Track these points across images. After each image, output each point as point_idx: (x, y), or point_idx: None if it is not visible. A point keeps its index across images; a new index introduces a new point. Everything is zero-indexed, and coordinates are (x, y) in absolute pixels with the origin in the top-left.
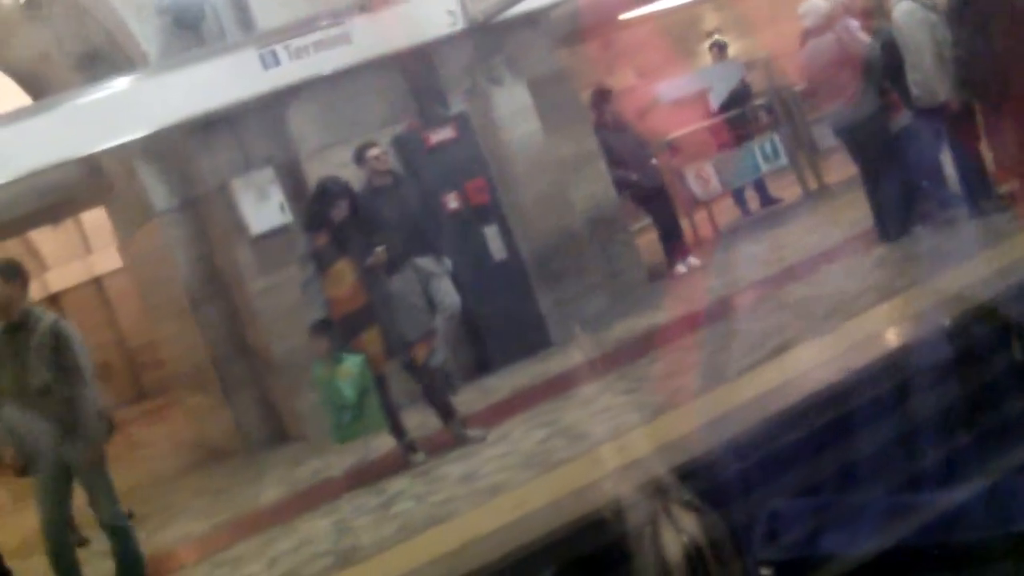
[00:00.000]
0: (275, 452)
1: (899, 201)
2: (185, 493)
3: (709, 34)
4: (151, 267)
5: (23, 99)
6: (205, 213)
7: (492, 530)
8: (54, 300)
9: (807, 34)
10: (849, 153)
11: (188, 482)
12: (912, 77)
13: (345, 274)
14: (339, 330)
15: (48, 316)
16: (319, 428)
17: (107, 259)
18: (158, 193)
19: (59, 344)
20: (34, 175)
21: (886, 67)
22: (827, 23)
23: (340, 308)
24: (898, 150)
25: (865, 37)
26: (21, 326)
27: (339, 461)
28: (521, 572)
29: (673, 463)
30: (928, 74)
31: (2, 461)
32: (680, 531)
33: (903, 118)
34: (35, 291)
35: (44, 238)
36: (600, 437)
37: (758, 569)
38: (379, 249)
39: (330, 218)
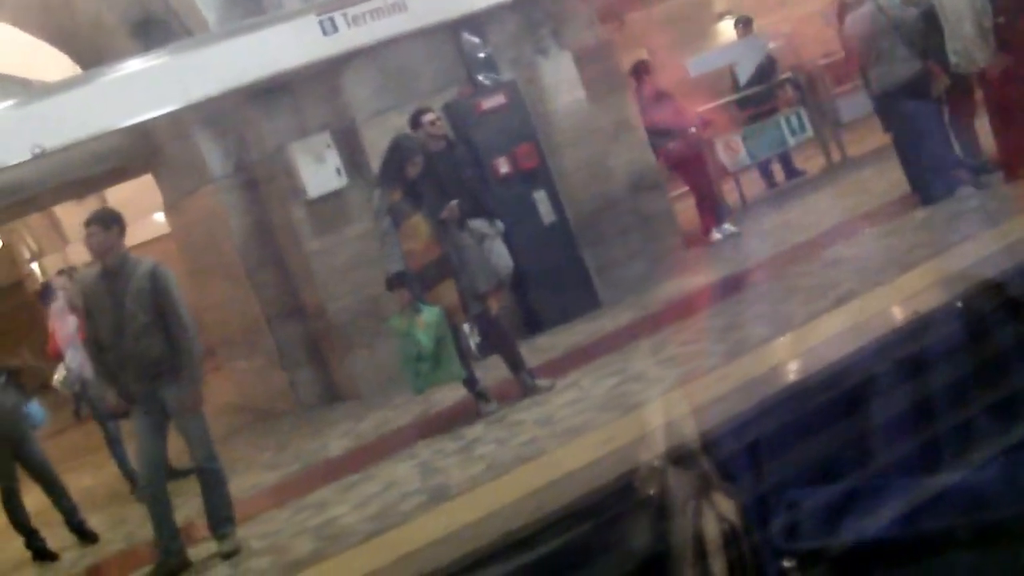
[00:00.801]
0: (330, 411)
1: (942, 162)
2: (247, 449)
3: (720, 15)
4: (201, 233)
5: (69, 70)
6: (260, 178)
7: (584, 464)
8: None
9: (844, 6)
10: (884, 121)
11: (247, 439)
12: (951, 45)
13: (420, 228)
14: (416, 281)
15: (146, 261)
16: (373, 386)
17: (134, 232)
18: (214, 159)
19: (157, 288)
20: (85, 143)
21: (926, 34)
22: None
23: (416, 261)
24: (940, 113)
25: (905, 5)
26: (119, 271)
27: (399, 416)
28: (616, 504)
29: (750, 402)
30: (967, 42)
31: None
32: (721, 518)
33: (942, 83)
34: (57, 264)
35: (67, 213)
36: (674, 381)
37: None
38: (452, 203)
39: (405, 174)
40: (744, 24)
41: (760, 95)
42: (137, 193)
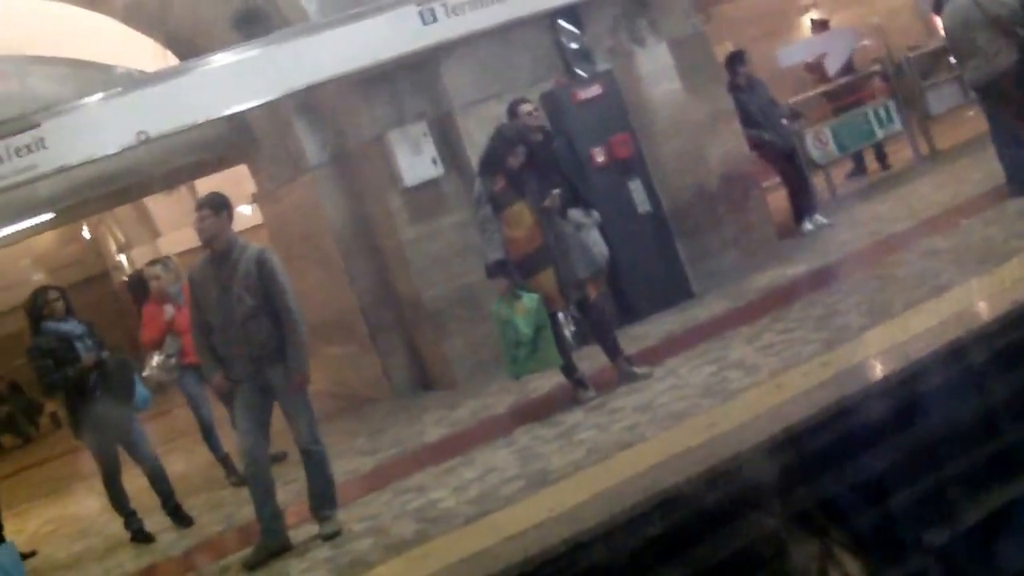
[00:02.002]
0: (424, 398)
1: None
2: (341, 435)
3: (806, 7)
4: (296, 222)
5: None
6: (356, 166)
7: (687, 448)
8: None
9: None
10: (984, 109)
11: (341, 425)
12: None
13: (522, 216)
14: (516, 269)
15: (253, 246)
16: (467, 374)
17: None
18: (311, 148)
19: (264, 273)
20: (179, 132)
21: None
22: None
23: (517, 248)
24: None
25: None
26: (227, 256)
27: (495, 403)
28: (720, 487)
29: (856, 387)
30: None
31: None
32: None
33: None
34: (147, 255)
35: (157, 205)
36: (775, 368)
37: None
38: (554, 192)
39: (507, 163)
40: (820, 25)
41: (845, 87)
42: (223, 184)
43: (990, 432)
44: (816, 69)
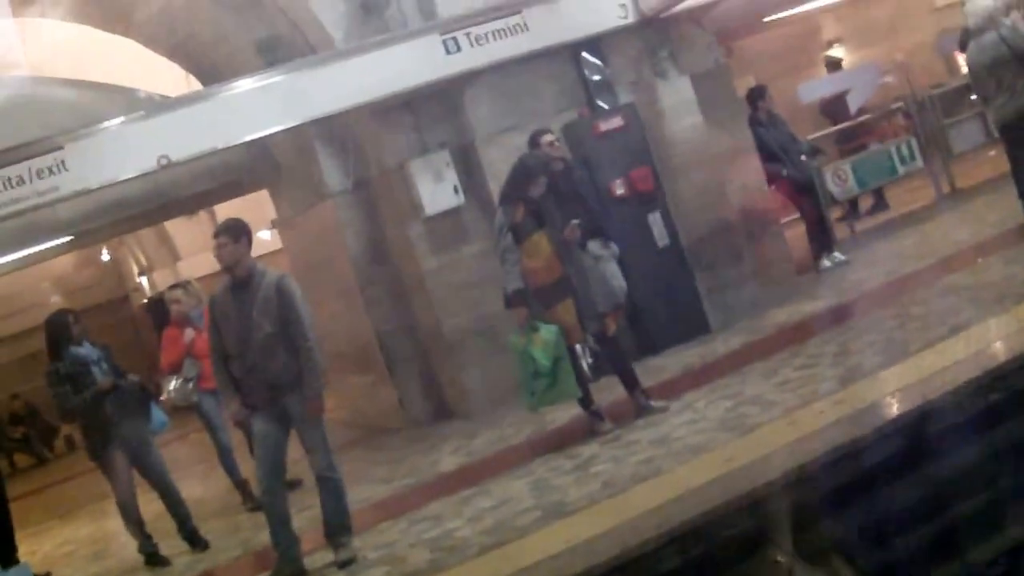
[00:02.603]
0: (441, 428)
1: None
2: (358, 463)
3: (829, 43)
4: (316, 248)
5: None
6: (377, 194)
7: (704, 483)
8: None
9: (967, 33)
10: (1008, 148)
11: (358, 454)
12: None
13: (542, 247)
14: (535, 300)
15: (272, 272)
16: (484, 405)
17: None
18: (332, 175)
19: (283, 299)
20: (201, 157)
21: None
22: (989, 22)
23: (536, 279)
24: None
25: None
26: (247, 282)
27: (512, 434)
28: (736, 521)
29: (872, 425)
30: None
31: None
32: None
33: None
34: (167, 279)
35: (177, 228)
36: (791, 404)
37: None
38: (574, 223)
39: (529, 193)
40: (833, 65)
41: (858, 127)
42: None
43: (1005, 472)
44: (831, 111)
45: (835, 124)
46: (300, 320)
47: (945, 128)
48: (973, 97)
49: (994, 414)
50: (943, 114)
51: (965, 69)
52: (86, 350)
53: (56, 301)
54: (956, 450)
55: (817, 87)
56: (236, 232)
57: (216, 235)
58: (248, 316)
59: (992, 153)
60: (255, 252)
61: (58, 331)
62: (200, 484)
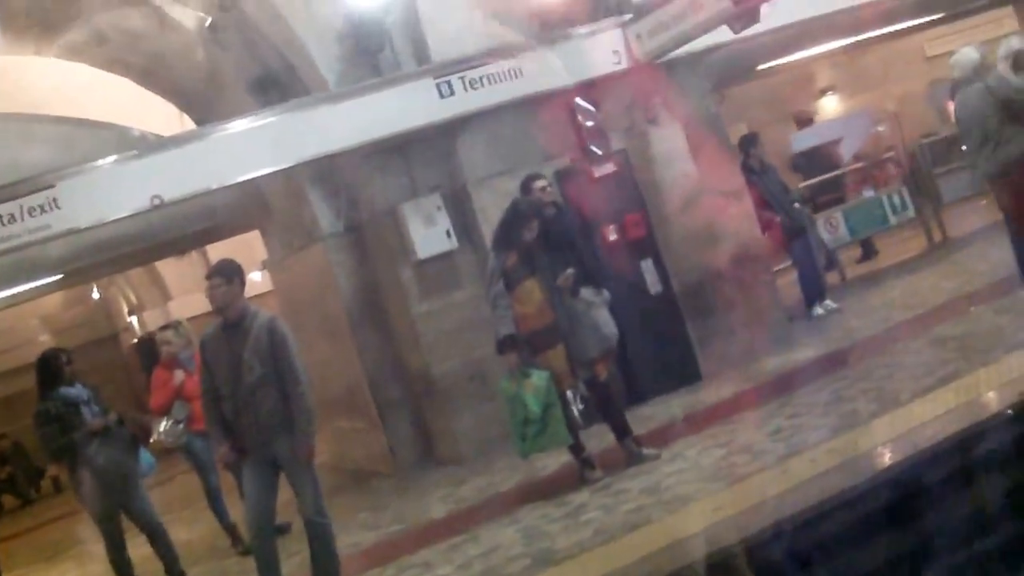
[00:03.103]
0: (430, 473)
1: None
2: (345, 509)
3: (822, 92)
4: (307, 290)
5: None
6: (369, 237)
7: (695, 532)
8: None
9: (956, 84)
10: (997, 198)
11: (345, 499)
12: None
13: (533, 292)
14: (526, 345)
15: (264, 315)
16: (474, 450)
17: None
18: (324, 217)
19: (274, 341)
20: (192, 198)
21: None
22: (975, 73)
23: (527, 325)
24: None
25: (1018, 84)
26: (238, 323)
27: (501, 480)
28: (726, 572)
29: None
30: None
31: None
32: None
33: None
34: (158, 319)
35: (168, 268)
36: (782, 453)
37: None
38: (569, 272)
39: (521, 238)
40: (804, 122)
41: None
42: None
43: (996, 524)
44: (802, 166)
45: (805, 180)
46: (291, 363)
47: (936, 177)
48: (964, 147)
49: (983, 465)
50: (934, 163)
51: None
52: (76, 390)
53: (45, 340)
54: (945, 501)
55: (809, 136)
56: (229, 273)
57: (209, 276)
58: (239, 358)
59: (983, 202)
60: (246, 293)
61: (49, 370)
62: (189, 527)
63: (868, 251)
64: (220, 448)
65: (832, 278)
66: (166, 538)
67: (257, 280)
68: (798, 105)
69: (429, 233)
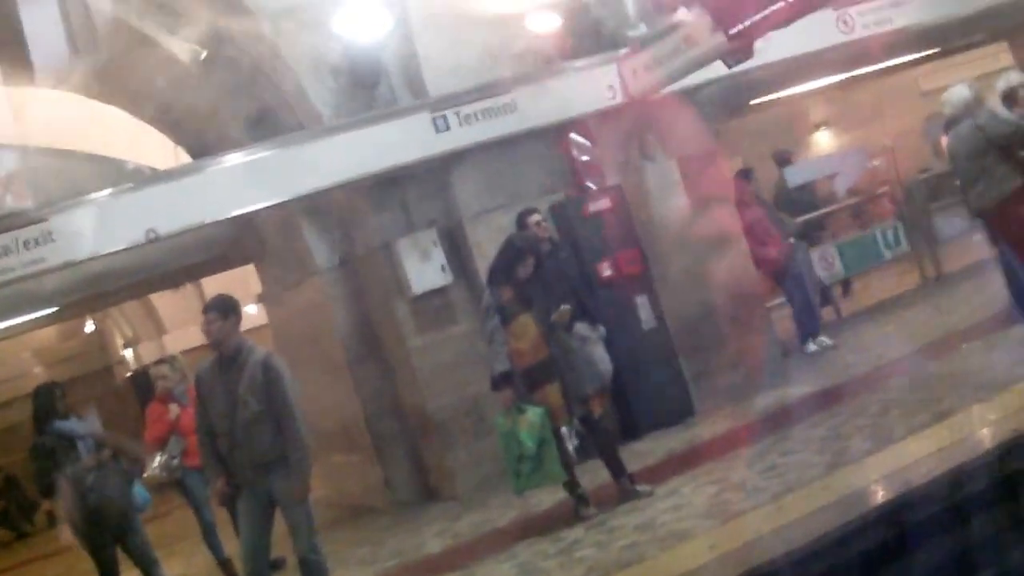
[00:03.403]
0: (426, 509)
1: None
2: (341, 544)
3: (816, 126)
4: (302, 325)
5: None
6: (364, 272)
7: (688, 571)
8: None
9: (949, 121)
10: (989, 235)
11: (341, 534)
12: None
13: (528, 328)
14: (521, 382)
15: (259, 350)
16: (470, 486)
17: None
18: (320, 251)
19: (269, 378)
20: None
21: None
22: (966, 111)
23: (522, 361)
24: None
25: (1008, 118)
26: (234, 359)
27: (497, 516)
28: None
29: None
30: None
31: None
32: None
33: None
34: (152, 352)
35: (163, 301)
36: (777, 490)
37: None
38: (565, 308)
39: (516, 274)
40: (782, 161)
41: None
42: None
43: (989, 561)
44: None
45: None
46: (287, 400)
47: (931, 213)
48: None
49: (976, 502)
50: (929, 199)
51: None
52: (72, 424)
53: (39, 372)
54: (942, 537)
55: (804, 170)
56: (225, 308)
57: (205, 311)
58: (234, 393)
59: (977, 238)
60: (241, 327)
61: (45, 403)
62: (184, 562)
63: (845, 289)
64: (215, 483)
65: (827, 313)
66: (161, 574)
67: (252, 314)
68: (793, 140)
69: (424, 268)
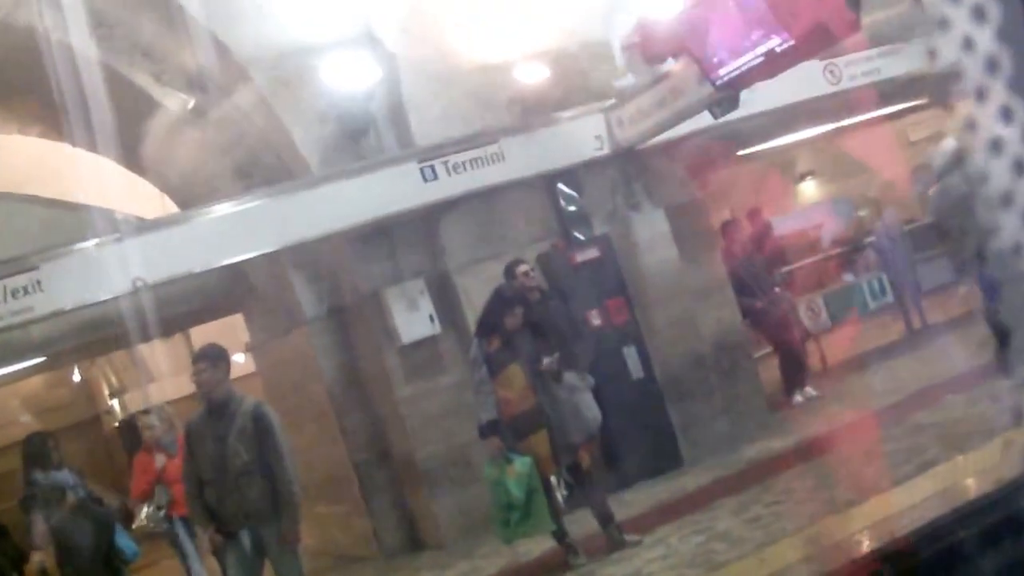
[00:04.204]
0: (413, 558)
1: None
2: None
3: (802, 176)
4: (290, 374)
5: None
6: (352, 321)
7: None
8: None
9: (940, 174)
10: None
11: None
12: None
13: (516, 377)
14: (509, 431)
15: (249, 399)
16: (458, 535)
17: None
18: (307, 301)
19: (260, 428)
20: (176, 281)
21: None
22: (955, 163)
23: (510, 410)
24: None
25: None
26: (224, 408)
27: (485, 565)
28: None
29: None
30: None
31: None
32: None
33: None
34: (140, 401)
35: (151, 350)
36: (761, 540)
37: None
38: (554, 357)
39: (504, 324)
40: (752, 217)
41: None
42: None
43: None
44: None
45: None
46: (278, 450)
47: (916, 264)
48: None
49: (961, 553)
50: (915, 249)
51: None
52: (63, 475)
53: (26, 421)
54: None
55: (790, 220)
56: (215, 357)
57: (195, 360)
58: (224, 442)
59: (963, 290)
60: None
61: (36, 453)
62: None
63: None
64: (206, 534)
65: (813, 361)
66: None
67: (240, 362)
68: (780, 190)
69: (412, 318)
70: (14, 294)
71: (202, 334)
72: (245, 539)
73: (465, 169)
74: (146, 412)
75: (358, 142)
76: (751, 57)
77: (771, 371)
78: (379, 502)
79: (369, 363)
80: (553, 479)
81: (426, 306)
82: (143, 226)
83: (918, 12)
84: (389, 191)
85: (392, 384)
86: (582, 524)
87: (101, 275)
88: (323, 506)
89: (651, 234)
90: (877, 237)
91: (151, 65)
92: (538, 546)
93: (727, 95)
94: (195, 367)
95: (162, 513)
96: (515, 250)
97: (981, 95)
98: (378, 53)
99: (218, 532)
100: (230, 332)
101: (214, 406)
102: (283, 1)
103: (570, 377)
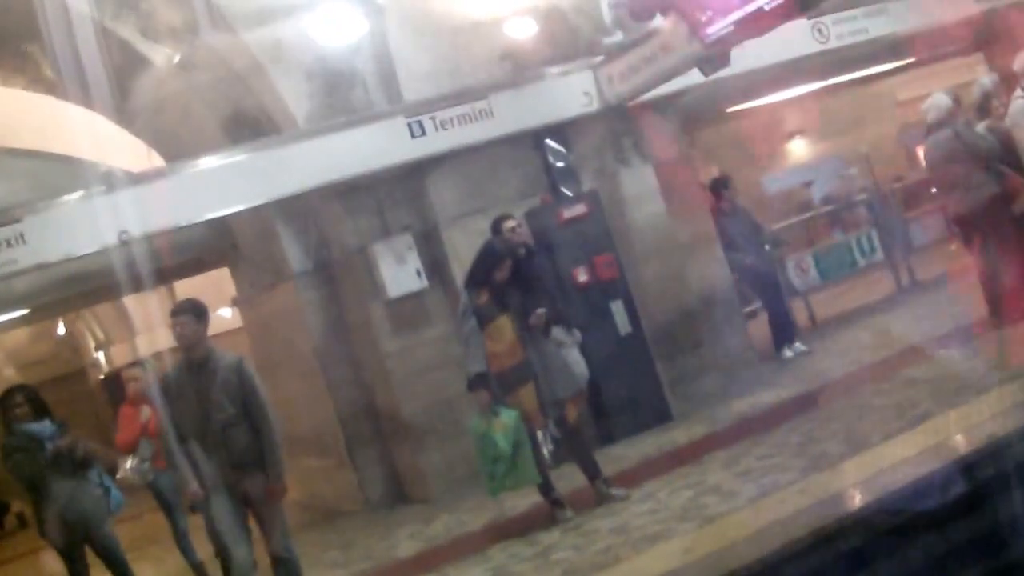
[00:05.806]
0: (399, 512)
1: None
2: (314, 546)
3: (791, 135)
4: (276, 328)
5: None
6: (340, 276)
7: (663, 573)
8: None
9: (929, 128)
10: (964, 242)
11: (314, 537)
12: None
13: (505, 331)
14: (496, 384)
15: (229, 355)
16: (443, 489)
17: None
18: (294, 255)
19: (243, 382)
20: (164, 233)
21: (1003, 158)
22: (948, 117)
23: (498, 363)
24: (1021, 235)
25: (985, 136)
26: (204, 363)
27: (471, 519)
28: None
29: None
30: None
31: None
32: None
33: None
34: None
35: (136, 303)
36: (752, 494)
37: None
38: (541, 311)
39: (493, 277)
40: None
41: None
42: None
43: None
44: None
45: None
46: (261, 403)
47: (906, 221)
48: (934, 190)
49: (954, 507)
50: (904, 207)
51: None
52: (41, 426)
53: (9, 375)
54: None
55: (781, 179)
56: (197, 312)
57: (175, 314)
58: (207, 397)
59: (952, 247)
60: (216, 330)
61: (7, 408)
62: (155, 566)
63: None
64: (189, 487)
65: (801, 318)
66: (130, 574)
67: (227, 317)
68: (768, 147)
69: (399, 272)
70: None
71: (187, 288)
72: (230, 491)
73: (453, 125)
74: (132, 365)
75: (345, 96)
76: (740, 15)
77: (762, 327)
78: (365, 456)
79: (356, 317)
80: (540, 433)
81: (413, 261)
82: (128, 179)
83: None
84: (376, 146)
85: (378, 338)
86: (570, 479)
87: (86, 228)
88: (309, 460)
89: (640, 190)
90: (868, 194)
91: (138, 20)
92: (525, 500)
93: (717, 52)
94: (176, 320)
95: (146, 466)
96: (503, 206)
97: None
98: (366, 7)
99: (203, 484)
100: (216, 286)
101: (194, 360)
102: None
103: (558, 332)
